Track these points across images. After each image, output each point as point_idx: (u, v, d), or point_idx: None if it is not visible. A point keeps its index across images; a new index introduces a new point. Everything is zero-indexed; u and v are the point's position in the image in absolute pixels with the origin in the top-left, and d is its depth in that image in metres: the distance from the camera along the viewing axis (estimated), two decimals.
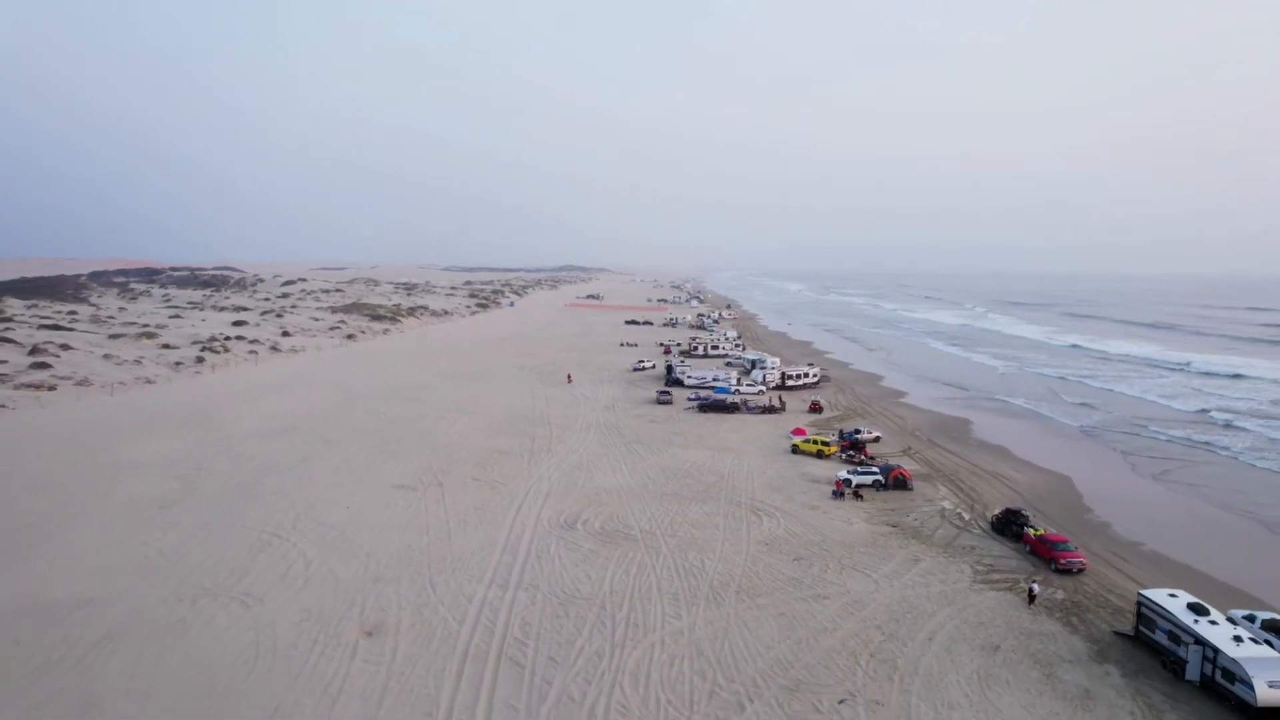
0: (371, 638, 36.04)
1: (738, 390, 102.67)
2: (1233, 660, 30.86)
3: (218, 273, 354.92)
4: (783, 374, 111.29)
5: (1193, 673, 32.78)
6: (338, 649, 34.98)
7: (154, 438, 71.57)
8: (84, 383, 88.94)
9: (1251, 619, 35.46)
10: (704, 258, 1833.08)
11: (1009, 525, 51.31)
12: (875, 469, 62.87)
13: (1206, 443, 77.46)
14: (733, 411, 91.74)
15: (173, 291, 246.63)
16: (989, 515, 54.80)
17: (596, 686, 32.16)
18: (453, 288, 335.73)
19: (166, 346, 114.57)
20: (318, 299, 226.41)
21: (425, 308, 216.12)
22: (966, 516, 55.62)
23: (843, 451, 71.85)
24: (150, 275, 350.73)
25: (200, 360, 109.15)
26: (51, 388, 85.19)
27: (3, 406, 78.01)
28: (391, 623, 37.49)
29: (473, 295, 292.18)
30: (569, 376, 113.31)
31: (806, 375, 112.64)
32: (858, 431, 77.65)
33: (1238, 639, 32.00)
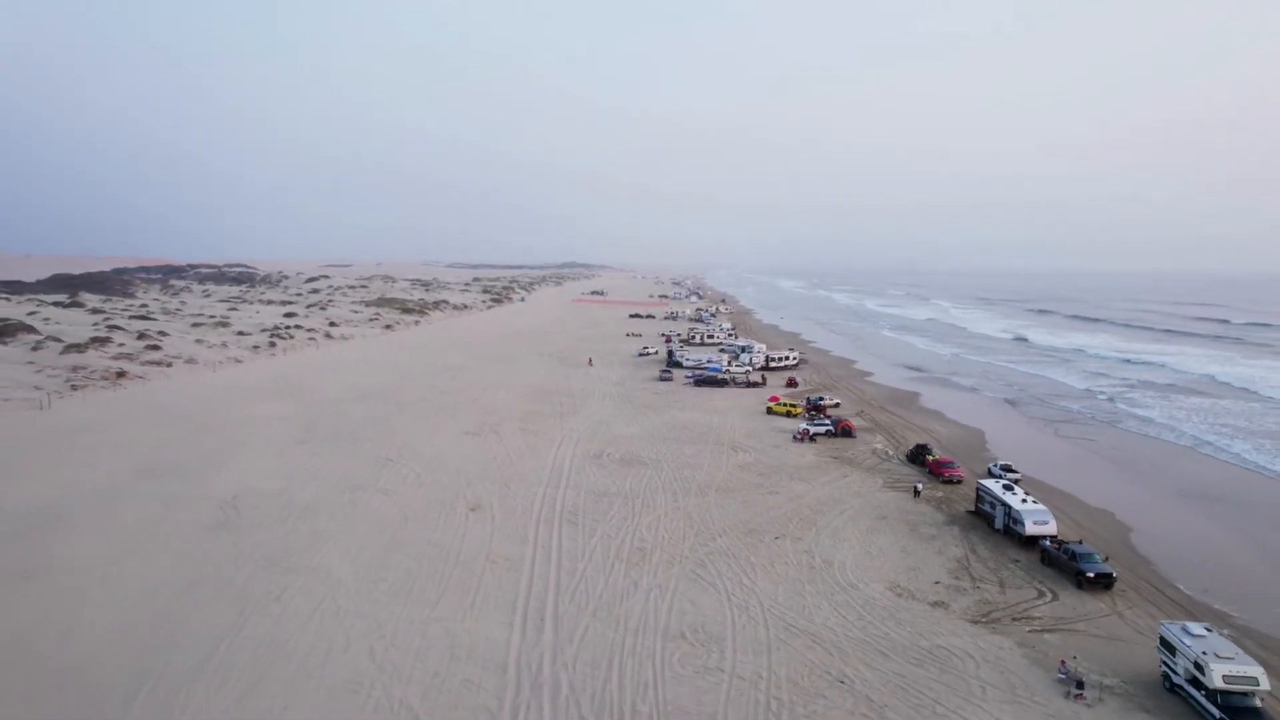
0: (475, 512, 55.30)
1: (728, 370, 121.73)
2: (1017, 512, 50.22)
3: (243, 270, 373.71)
4: (767, 357, 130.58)
5: (999, 524, 52.16)
6: (455, 516, 54.24)
7: (265, 401, 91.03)
8: (191, 361, 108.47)
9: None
10: (704, 255, 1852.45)
11: (918, 455, 70.61)
12: (828, 421, 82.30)
13: (1090, 411, 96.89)
14: (722, 386, 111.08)
15: (210, 287, 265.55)
16: (906, 451, 74.15)
17: (624, 531, 51.52)
18: (466, 285, 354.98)
19: (241, 334, 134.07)
20: (345, 294, 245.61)
21: (446, 302, 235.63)
22: (891, 452, 74.96)
23: (807, 412, 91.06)
24: (172, 273, 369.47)
25: (273, 345, 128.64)
26: (169, 364, 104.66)
27: (141, 378, 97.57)
28: (487, 505, 56.78)
29: (485, 291, 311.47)
30: (590, 360, 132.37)
31: (787, 358, 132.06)
32: (821, 399, 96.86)
33: (1024, 500, 51.41)
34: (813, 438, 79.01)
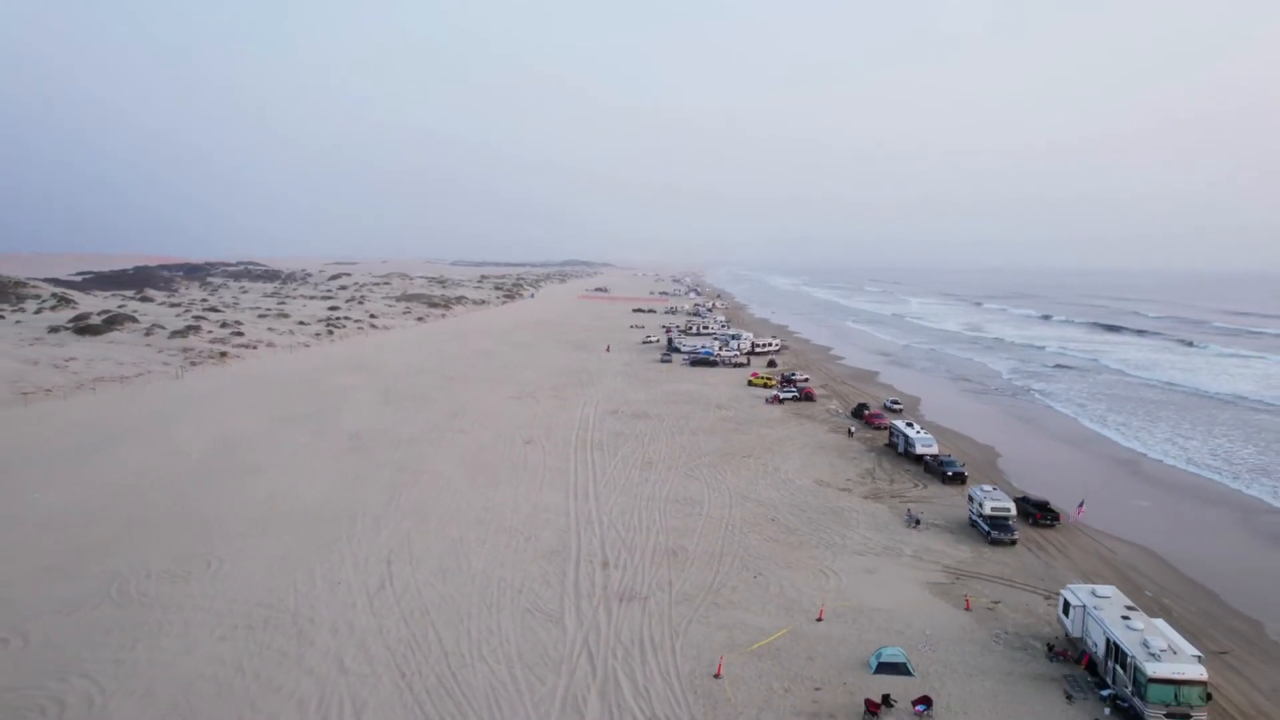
0: (529, 444, 77.04)
1: (719, 354, 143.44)
2: (911, 439, 72.02)
3: (266, 268, 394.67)
4: (753, 343, 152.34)
5: (901, 448, 74.00)
6: (516, 446, 75.97)
7: (344, 374, 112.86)
8: (271, 345, 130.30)
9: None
10: (705, 251, 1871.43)
11: (858, 411, 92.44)
12: (795, 388, 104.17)
13: (1004, 386, 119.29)
14: (714, 366, 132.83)
15: (245, 284, 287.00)
16: (851, 409, 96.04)
17: (637, 453, 73.31)
18: (478, 282, 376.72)
19: (301, 323, 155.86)
20: (372, 290, 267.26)
21: (466, 298, 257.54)
22: (840, 410, 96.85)
23: (780, 384, 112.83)
24: (193, 270, 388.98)
25: (330, 332, 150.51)
26: (254, 347, 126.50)
27: (238, 357, 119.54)
28: (537, 440, 78.52)
29: (497, 288, 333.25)
30: (608, 347, 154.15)
31: (770, 344, 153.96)
32: (793, 374, 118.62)
33: (917, 431, 73.25)
34: (781, 401, 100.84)
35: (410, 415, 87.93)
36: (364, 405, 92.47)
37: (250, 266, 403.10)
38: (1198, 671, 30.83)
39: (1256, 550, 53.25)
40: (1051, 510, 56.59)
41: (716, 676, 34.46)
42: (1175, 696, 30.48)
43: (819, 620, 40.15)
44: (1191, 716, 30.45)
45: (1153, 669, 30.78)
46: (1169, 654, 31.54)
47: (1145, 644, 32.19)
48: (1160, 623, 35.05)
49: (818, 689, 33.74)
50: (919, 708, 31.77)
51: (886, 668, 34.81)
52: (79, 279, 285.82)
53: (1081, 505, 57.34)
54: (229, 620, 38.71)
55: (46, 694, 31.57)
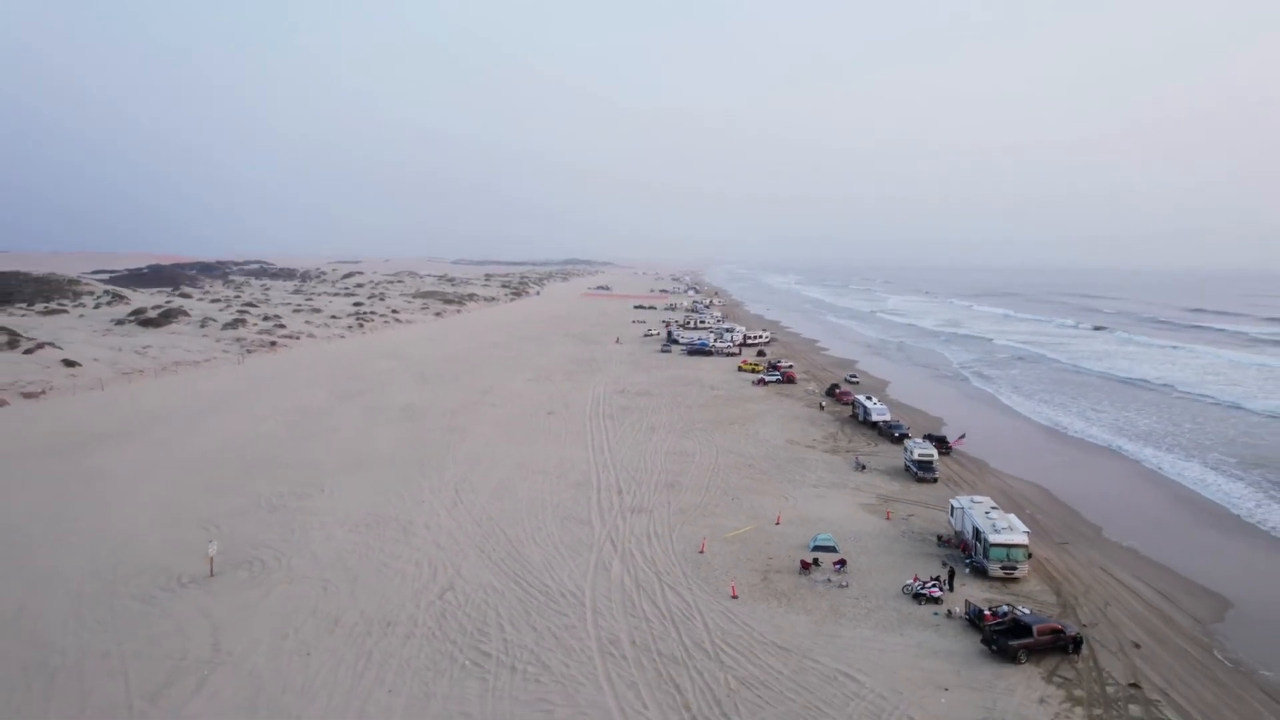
0: (551, 415, 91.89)
1: (714, 346, 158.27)
2: (870, 409, 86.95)
3: (283, 268, 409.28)
4: (744, 335, 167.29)
5: (861, 417, 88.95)
6: (540, 416, 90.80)
7: (381, 360, 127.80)
8: (311, 336, 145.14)
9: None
10: (706, 249, 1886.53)
11: (831, 390, 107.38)
12: (778, 373, 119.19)
13: (956, 373, 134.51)
14: (709, 355, 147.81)
15: (267, 282, 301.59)
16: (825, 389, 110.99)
17: (642, 422, 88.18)
18: (485, 280, 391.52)
19: (334, 317, 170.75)
20: (388, 288, 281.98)
21: (476, 295, 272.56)
22: (817, 391, 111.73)
23: (766, 369, 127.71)
24: (205, 269, 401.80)
25: (360, 325, 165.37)
26: (297, 338, 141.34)
27: (285, 346, 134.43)
28: (558, 411, 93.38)
29: (504, 286, 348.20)
30: (617, 339, 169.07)
31: (761, 336, 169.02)
32: (779, 361, 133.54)
33: (876, 404, 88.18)
34: (766, 383, 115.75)
35: (447, 393, 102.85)
36: (406, 385, 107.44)
37: (265, 265, 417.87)
38: (1021, 539, 45.92)
39: (1116, 484, 68.48)
40: (946, 443, 75.43)
41: (701, 552, 49.38)
42: (1007, 555, 45.49)
43: (777, 524, 55.04)
44: (1018, 568, 45.52)
45: (994, 537, 45.80)
46: (1007, 530, 46.56)
47: (994, 525, 47.14)
48: (1011, 516, 50.00)
49: (770, 559, 48.69)
50: (837, 566, 46.72)
51: (820, 547, 49.69)
52: (104, 277, 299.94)
53: (962, 436, 77.83)
54: (349, 522, 53.66)
55: (250, 555, 46.66)
